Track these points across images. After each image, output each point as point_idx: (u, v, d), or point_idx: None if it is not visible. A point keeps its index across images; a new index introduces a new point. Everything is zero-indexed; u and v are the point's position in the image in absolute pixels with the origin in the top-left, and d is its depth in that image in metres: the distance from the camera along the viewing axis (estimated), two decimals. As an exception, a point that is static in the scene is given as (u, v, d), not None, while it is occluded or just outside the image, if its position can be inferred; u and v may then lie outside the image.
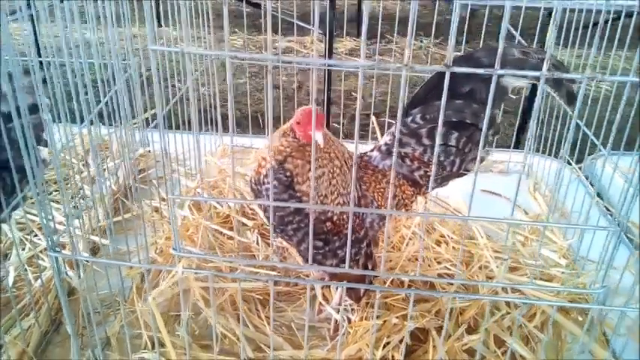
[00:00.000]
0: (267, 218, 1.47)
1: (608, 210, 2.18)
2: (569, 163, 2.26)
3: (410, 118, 1.55)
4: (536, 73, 0.90)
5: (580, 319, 1.68)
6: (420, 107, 1.54)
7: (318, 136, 1.32)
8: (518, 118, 2.78)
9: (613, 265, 1.14)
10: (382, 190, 1.59)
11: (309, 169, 1.41)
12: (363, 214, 1.54)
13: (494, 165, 2.55)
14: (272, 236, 1.17)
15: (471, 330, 1.61)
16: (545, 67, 0.89)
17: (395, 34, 5.13)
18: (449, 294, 1.53)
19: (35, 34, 3.21)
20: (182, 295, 1.23)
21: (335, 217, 1.47)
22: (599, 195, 2.23)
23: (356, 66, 0.90)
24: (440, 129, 0.97)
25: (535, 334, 1.59)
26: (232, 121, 0.94)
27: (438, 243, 1.92)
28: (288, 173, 1.42)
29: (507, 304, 1.66)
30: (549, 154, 2.42)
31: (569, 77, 0.93)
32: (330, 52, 4.39)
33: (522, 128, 2.80)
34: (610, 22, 2.09)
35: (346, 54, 5.91)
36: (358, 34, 6.35)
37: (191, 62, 2.23)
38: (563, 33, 2.13)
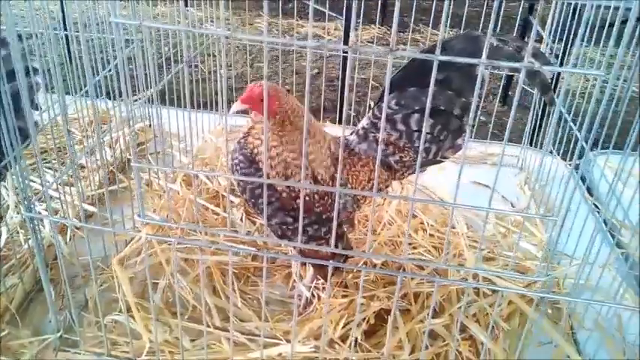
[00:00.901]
0: (241, 192, 1.52)
1: (597, 207, 2.17)
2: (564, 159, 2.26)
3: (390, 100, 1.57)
4: (475, 60, 0.92)
5: (550, 311, 1.70)
6: (394, 93, 1.56)
7: (234, 107, 1.37)
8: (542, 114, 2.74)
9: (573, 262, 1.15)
10: (356, 173, 1.62)
11: (268, 148, 1.43)
12: (334, 195, 1.57)
13: (488, 157, 2.55)
14: (228, 206, 1.21)
15: (437, 315, 1.64)
16: (484, 54, 0.91)
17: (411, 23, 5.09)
18: (404, 274, 1.56)
19: (63, 9, 3.34)
20: (147, 261, 1.29)
21: (305, 196, 1.51)
22: (589, 191, 2.23)
23: (303, 45, 0.93)
24: (384, 115, 1.00)
25: (501, 324, 1.62)
26: (188, 98, 0.98)
27: (417, 230, 1.95)
28: (251, 148, 1.46)
29: (477, 292, 1.68)
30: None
31: (508, 65, 0.95)
32: (347, 39, 4.39)
33: (539, 125, 2.78)
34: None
35: (369, 42, 5.89)
36: (382, 23, 6.31)
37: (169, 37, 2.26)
38: (578, 29, 2.10)
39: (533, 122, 2.49)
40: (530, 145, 2.53)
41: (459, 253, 1.84)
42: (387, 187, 1.70)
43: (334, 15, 5.48)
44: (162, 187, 2.09)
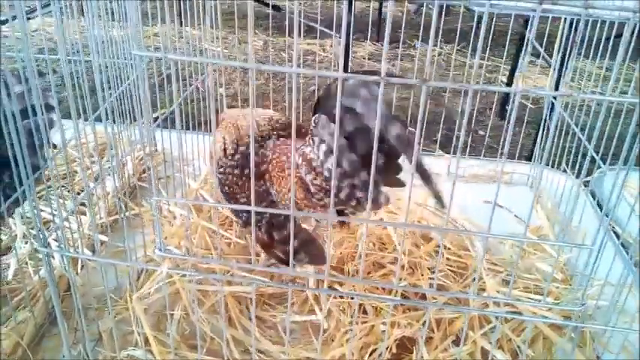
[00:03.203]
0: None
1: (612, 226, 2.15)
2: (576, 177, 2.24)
3: (314, 119, 1.43)
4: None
5: (573, 335, 1.67)
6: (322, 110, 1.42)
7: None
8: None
9: (593, 283, 1.13)
10: (282, 178, 1.58)
11: None
12: (261, 188, 1.62)
13: (498, 175, 2.53)
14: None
15: (459, 342, 1.60)
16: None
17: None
18: (433, 304, 1.53)
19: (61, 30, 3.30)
20: (167, 296, 1.25)
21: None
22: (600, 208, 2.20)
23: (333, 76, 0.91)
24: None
25: (524, 349, 1.58)
26: (213, 125, 0.96)
27: (435, 254, 1.92)
28: None
29: (497, 317, 1.65)
30: (557, 167, 2.43)
31: (405, 82, 0.91)
32: (347, 57, 4.40)
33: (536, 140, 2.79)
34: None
35: (365, 58, 5.90)
36: (378, 39, 6.34)
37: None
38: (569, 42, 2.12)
39: (543, 139, 2.47)
40: (529, 160, 2.52)
41: (479, 278, 1.81)
42: (307, 207, 1.58)
43: (328, 32, 5.49)
44: (173, 214, 2.06)
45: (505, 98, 4.18)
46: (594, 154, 1.95)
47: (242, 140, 1.66)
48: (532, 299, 1.70)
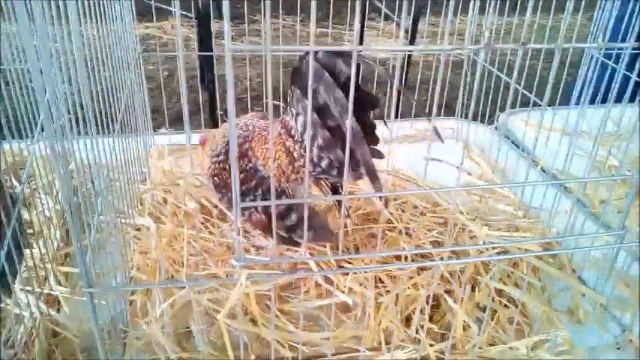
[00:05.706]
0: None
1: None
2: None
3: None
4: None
5: (551, 260, 1.89)
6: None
7: None
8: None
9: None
10: (266, 149, 1.63)
11: None
12: (247, 166, 1.63)
13: (426, 133, 2.69)
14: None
15: (473, 289, 1.73)
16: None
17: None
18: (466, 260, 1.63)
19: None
20: (239, 307, 1.18)
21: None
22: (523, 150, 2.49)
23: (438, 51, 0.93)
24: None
25: (521, 280, 1.75)
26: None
27: (422, 214, 2.02)
28: None
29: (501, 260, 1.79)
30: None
31: (462, 49, 1.04)
32: (209, 37, 4.21)
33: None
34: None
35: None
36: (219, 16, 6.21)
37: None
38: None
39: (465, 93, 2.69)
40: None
41: (462, 229, 1.94)
42: (293, 172, 1.63)
43: (185, 14, 5.23)
44: (136, 225, 1.89)
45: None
46: (534, 98, 2.18)
47: (224, 138, 1.71)
48: (570, 235, 1.85)
